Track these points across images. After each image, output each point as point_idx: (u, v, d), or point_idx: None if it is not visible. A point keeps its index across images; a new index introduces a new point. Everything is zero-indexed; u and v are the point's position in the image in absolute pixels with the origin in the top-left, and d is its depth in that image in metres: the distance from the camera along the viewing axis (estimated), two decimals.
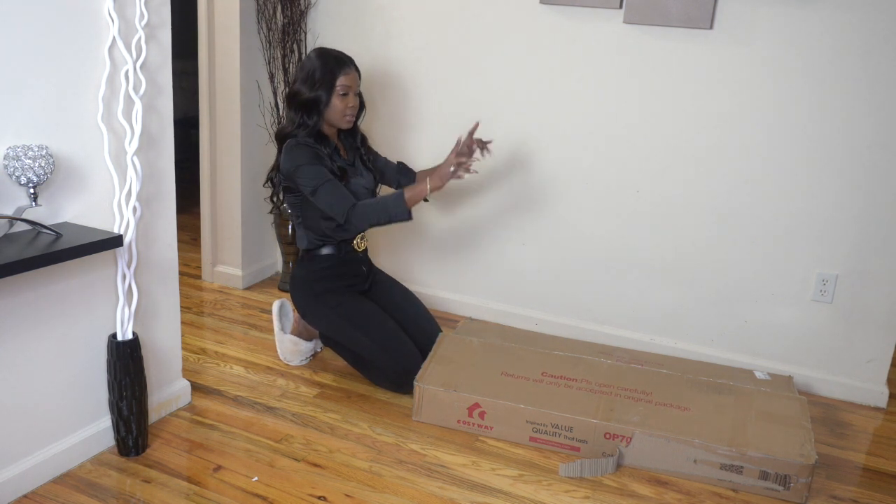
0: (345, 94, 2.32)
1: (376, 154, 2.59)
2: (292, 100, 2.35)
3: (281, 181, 2.39)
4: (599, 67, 2.61)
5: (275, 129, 3.07)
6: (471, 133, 2.36)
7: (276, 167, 2.42)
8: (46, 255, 1.55)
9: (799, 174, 2.44)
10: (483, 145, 2.38)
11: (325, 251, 2.40)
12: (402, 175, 2.60)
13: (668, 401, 2.19)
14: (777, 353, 2.60)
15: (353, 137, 2.50)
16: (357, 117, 2.43)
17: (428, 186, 2.24)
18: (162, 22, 1.90)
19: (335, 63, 2.32)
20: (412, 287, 2.83)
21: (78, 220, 1.78)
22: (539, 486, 1.95)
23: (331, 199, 2.25)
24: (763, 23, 2.37)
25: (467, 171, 2.25)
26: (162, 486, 1.84)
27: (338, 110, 2.33)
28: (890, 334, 2.46)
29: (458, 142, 2.35)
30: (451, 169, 2.24)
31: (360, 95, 2.41)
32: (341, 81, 2.31)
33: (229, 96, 3.01)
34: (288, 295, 3.09)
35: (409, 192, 2.25)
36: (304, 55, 3.02)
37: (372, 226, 2.30)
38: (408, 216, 2.25)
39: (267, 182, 2.54)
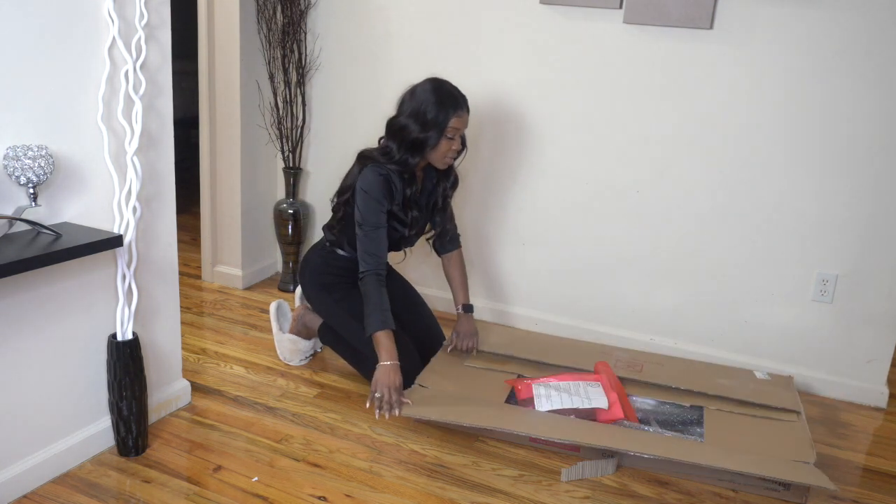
0: (452, 138, 2.22)
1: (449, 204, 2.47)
2: (398, 133, 2.21)
3: (348, 195, 2.28)
4: (599, 67, 2.61)
5: (276, 129, 3.07)
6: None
7: (349, 188, 2.27)
8: (46, 255, 1.55)
9: (799, 174, 2.44)
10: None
11: (346, 253, 2.38)
12: (446, 237, 2.51)
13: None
14: (777, 353, 2.60)
15: (446, 178, 2.38)
16: (455, 158, 2.31)
17: (382, 360, 2.13)
18: (162, 22, 1.90)
19: (451, 103, 2.19)
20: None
21: (78, 220, 1.77)
22: (539, 487, 1.94)
23: (367, 247, 2.20)
24: (763, 23, 2.37)
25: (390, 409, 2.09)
26: (162, 487, 1.84)
27: (441, 152, 2.22)
28: (890, 334, 2.46)
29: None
30: (378, 395, 2.09)
31: (463, 137, 2.28)
32: (453, 124, 2.19)
33: (229, 96, 3.01)
34: (285, 296, 3.10)
35: (382, 338, 2.14)
36: (304, 55, 3.02)
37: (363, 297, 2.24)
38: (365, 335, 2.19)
39: (334, 200, 2.38)
